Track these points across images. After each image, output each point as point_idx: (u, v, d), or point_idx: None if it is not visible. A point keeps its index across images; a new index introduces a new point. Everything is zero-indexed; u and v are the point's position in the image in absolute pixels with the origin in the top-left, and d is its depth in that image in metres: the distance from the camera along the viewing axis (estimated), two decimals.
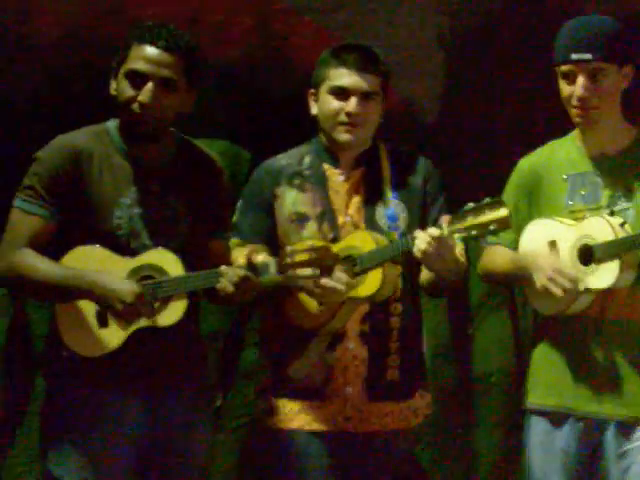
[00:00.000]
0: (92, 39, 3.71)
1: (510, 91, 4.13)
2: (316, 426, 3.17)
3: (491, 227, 2.85)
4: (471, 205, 2.88)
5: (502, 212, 2.85)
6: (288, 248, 2.98)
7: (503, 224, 2.86)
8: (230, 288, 2.92)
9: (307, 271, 2.95)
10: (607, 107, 3.14)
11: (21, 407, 3.80)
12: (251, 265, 2.94)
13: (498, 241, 3.30)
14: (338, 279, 3.02)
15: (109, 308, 2.93)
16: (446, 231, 2.90)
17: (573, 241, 3.13)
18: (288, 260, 2.93)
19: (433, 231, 2.92)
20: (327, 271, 2.99)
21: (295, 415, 3.18)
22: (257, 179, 3.28)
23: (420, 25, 4.07)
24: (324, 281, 3.01)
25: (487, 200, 2.87)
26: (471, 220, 2.87)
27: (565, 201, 3.21)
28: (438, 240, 2.91)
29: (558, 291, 3.06)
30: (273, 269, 2.94)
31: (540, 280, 3.10)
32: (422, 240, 2.92)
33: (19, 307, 3.81)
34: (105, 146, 3.05)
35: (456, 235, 2.91)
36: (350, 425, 3.17)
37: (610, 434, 3.13)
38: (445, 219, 2.92)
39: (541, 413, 3.23)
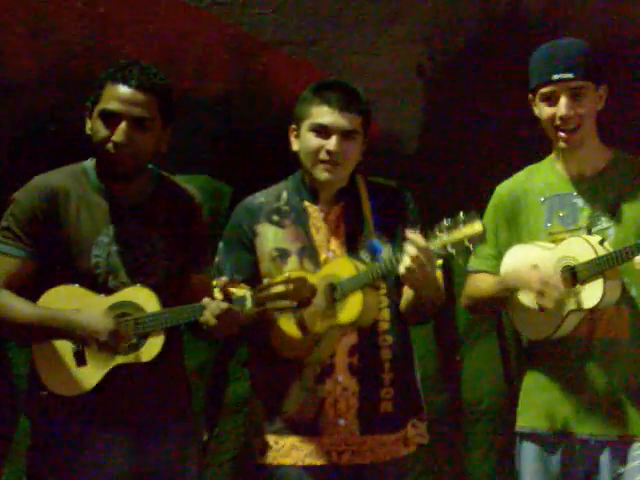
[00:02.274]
0: (70, 79, 3.70)
1: (489, 119, 4.14)
2: (310, 461, 3.16)
3: (466, 242, 2.87)
4: (446, 222, 2.90)
5: (477, 227, 2.86)
6: (265, 280, 2.99)
7: (478, 239, 2.87)
8: (213, 321, 2.92)
9: (283, 303, 2.95)
10: (587, 127, 3.17)
11: (4, 448, 3.79)
12: (227, 298, 2.95)
13: (481, 268, 3.31)
14: (317, 303, 3.05)
15: (85, 346, 2.94)
16: (425, 244, 2.91)
17: (554, 263, 3.14)
18: (264, 293, 2.94)
19: (423, 242, 2.92)
20: (305, 302, 3.00)
21: (288, 451, 3.17)
22: (236, 219, 3.29)
23: (399, 56, 4.08)
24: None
25: (461, 216, 2.89)
26: (447, 237, 2.89)
27: (543, 224, 3.23)
28: (423, 253, 2.91)
29: (549, 303, 3.06)
30: (250, 303, 2.95)
31: (528, 295, 3.11)
32: (407, 256, 2.93)
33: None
34: (82, 185, 3.06)
35: (433, 249, 2.91)
36: (343, 458, 3.16)
37: (605, 456, 3.14)
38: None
39: (533, 437, 3.23)
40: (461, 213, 2.89)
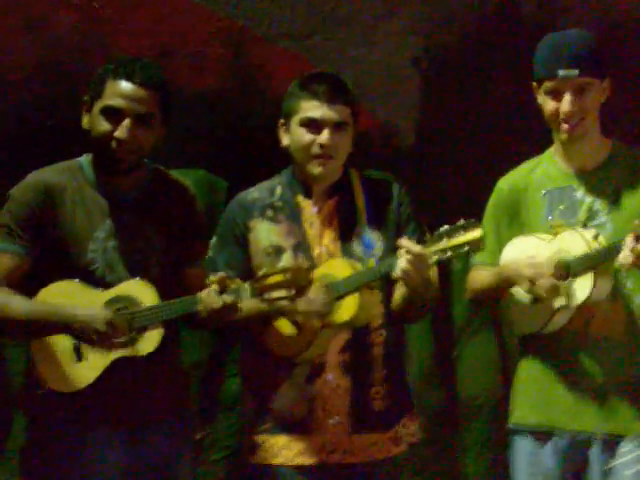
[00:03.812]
0: (65, 73, 3.71)
1: (485, 111, 4.14)
2: (300, 460, 3.14)
3: (465, 248, 2.87)
4: (446, 227, 2.90)
5: (476, 233, 2.87)
6: (263, 270, 2.97)
7: (477, 245, 2.88)
8: (217, 303, 2.90)
9: (281, 292, 2.93)
10: (590, 120, 3.16)
11: None
12: (224, 290, 2.93)
13: (484, 261, 3.31)
14: (313, 301, 3.02)
15: (85, 339, 2.93)
16: (420, 251, 2.91)
17: (550, 256, 3.13)
18: (263, 283, 2.92)
19: (417, 248, 2.92)
20: (302, 292, 2.97)
21: (278, 450, 3.15)
22: (229, 214, 3.27)
23: (395, 48, 4.08)
24: (302, 306, 3.01)
25: (461, 222, 2.89)
26: (446, 242, 2.89)
27: (544, 217, 3.23)
28: (418, 258, 2.91)
29: (541, 291, 3.06)
30: (247, 294, 2.93)
31: (523, 283, 3.10)
32: (404, 258, 2.93)
33: None
34: (78, 181, 3.06)
35: (433, 257, 2.91)
36: (334, 458, 3.14)
37: (595, 450, 3.13)
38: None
39: (525, 432, 3.22)
40: (461, 219, 2.89)
